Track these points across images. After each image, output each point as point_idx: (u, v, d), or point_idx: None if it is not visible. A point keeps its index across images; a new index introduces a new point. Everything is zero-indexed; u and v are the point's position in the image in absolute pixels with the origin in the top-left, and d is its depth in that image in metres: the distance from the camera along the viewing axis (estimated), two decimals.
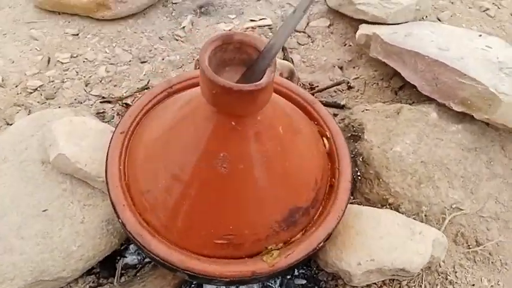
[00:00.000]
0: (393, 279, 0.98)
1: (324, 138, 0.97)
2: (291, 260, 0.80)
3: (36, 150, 1.02)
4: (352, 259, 0.89)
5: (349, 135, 1.12)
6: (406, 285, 0.97)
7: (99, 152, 0.96)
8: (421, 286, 0.98)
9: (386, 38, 1.23)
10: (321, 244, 0.84)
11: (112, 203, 0.84)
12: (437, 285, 0.98)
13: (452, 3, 1.63)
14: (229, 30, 1.54)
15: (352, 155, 1.06)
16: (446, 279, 0.98)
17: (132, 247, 1.02)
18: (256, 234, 0.80)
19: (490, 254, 1.02)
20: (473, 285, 0.99)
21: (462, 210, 1.01)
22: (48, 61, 1.42)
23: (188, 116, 0.80)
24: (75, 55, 1.44)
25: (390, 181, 1.01)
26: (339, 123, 1.17)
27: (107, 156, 0.89)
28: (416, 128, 1.07)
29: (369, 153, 1.04)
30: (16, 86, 1.34)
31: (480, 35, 1.25)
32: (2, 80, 1.35)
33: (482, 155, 1.07)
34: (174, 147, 0.81)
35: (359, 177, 1.05)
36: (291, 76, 1.19)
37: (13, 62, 1.42)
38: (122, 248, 1.02)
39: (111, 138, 0.92)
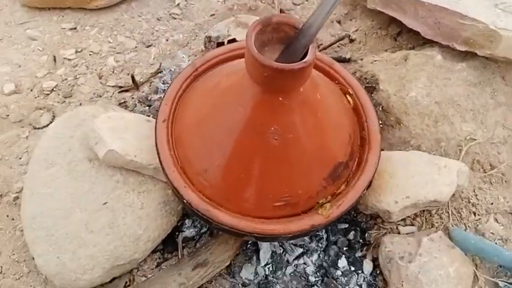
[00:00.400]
0: (424, 210, 1.10)
1: (348, 96, 1.06)
2: (343, 208, 0.90)
3: (79, 149, 1.08)
4: (390, 199, 1.00)
5: (364, 87, 1.20)
6: (436, 213, 1.10)
7: (143, 141, 1.02)
8: (448, 212, 1.10)
9: None
10: (364, 191, 0.94)
11: (173, 186, 0.92)
12: (462, 208, 1.11)
13: None
14: (224, 0, 1.56)
15: None
16: (469, 202, 1.11)
17: (187, 222, 1.11)
18: (308, 193, 0.90)
19: (503, 174, 1.15)
20: (492, 203, 1.12)
21: (475, 140, 1.12)
22: (55, 60, 1.44)
23: (233, 96, 0.86)
24: (79, 49, 1.46)
25: (410, 124, 1.11)
26: None
27: (156, 145, 0.95)
28: (425, 71, 1.16)
29: (387, 102, 1.13)
30: (31, 90, 1.37)
31: None
32: (16, 86, 1.37)
33: (486, 88, 1.17)
34: (224, 128, 0.88)
35: (381, 125, 1.14)
36: None
37: (20, 66, 1.43)
38: (179, 224, 1.10)
39: (155, 127, 0.98)
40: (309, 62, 0.71)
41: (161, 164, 0.94)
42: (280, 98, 0.79)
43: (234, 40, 1.16)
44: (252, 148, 0.85)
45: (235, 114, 0.85)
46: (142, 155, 1.01)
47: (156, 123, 0.99)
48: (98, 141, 1.02)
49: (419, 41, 1.34)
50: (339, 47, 1.43)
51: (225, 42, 1.16)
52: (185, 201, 0.90)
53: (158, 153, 0.95)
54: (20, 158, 1.23)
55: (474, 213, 1.10)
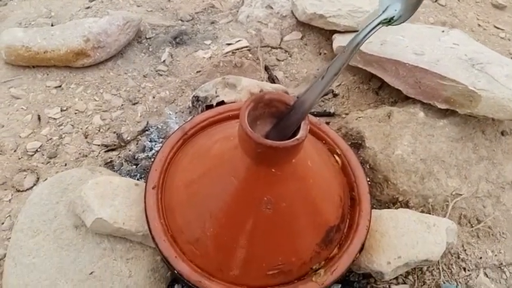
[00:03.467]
0: (415, 268, 1.10)
1: (335, 155, 1.07)
2: (337, 274, 0.90)
3: (66, 216, 1.05)
4: (382, 260, 1.00)
5: (350, 143, 1.22)
6: (427, 270, 1.10)
7: (132, 207, 1.01)
8: (439, 268, 1.10)
9: (363, 48, 1.33)
10: (358, 255, 0.94)
11: (163, 256, 0.90)
12: (452, 264, 1.11)
13: None
14: (209, 57, 1.59)
15: None
16: (459, 257, 1.12)
17: (176, 287, 1.08)
18: (302, 259, 0.89)
19: (489, 227, 1.17)
20: (481, 257, 1.13)
21: (461, 195, 1.15)
22: (39, 119, 1.43)
23: (225, 165, 0.87)
24: (64, 108, 1.45)
25: (398, 182, 1.12)
26: (337, 132, 1.27)
27: (146, 213, 0.94)
28: (409, 128, 1.19)
29: (374, 160, 1.15)
30: (15, 151, 1.34)
31: (443, 31, 1.38)
32: None
33: (468, 143, 1.21)
34: (216, 197, 0.87)
35: (369, 183, 1.15)
36: None
37: (3, 126, 1.41)
38: None
39: (145, 195, 0.97)
40: (301, 139, 0.72)
41: (151, 233, 0.92)
42: (273, 170, 0.80)
43: (222, 102, 1.18)
44: (245, 218, 0.85)
45: (228, 184, 0.85)
46: (131, 222, 0.99)
47: (145, 190, 0.98)
48: (85, 209, 1.00)
49: (400, 95, 1.38)
50: (323, 101, 1.46)
51: (214, 105, 1.18)
52: (176, 272, 0.88)
53: (148, 222, 0.93)
54: (2, 223, 1.19)
55: (464, 269, 1.11)
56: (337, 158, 1.07)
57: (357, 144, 1.21)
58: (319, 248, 0.91)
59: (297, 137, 0.72)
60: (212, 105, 1.19)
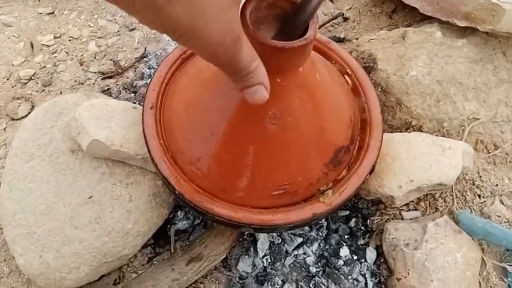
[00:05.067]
0: (427, 194, 1.06)
1: (346, 76, 1.00)
2: (346, 195, 0.85)
3: (61, 140, 1.00)
4: (393, 184, 0.95)
5: (361, 67, 1.14)
6: (440, 196, 1.05)
7: (129, 129, 0.96)
8: (452, 195, 1.06)
9: None
10: (368, 176, 0.89)
11: (164, 177, 0.85)
12: (466, 191, 1.07)
13: None
14: None
15: None
16: (474, 184, 1.07)
17: (180, 213, 1.05)
18: (309, 179, 0.84)
19: (506, 154, 1.11)
20: (497, 185, 1.08)
21: (478, 119, 1.08)
22: (32, 46, 1.36)
23: (225, 80, 0.80)
24: (58, 35, 1.38)
25: (411, 105, 1.05)
26: None
27: (144, 133, 0.89)
28: (424, 49, 1.10)
29: (387, 82, 1.07)
30: (7, 79, 1.28)
31: None
32: None
33: (488, 64, 1.12)
34: (217, 113, 0.81)
35: (380, 107, 1.08)
36: None
37: None
38: (170, 216, 1.04)
39: (142, 115, 0.91)
40: (310, 38, 0.65)
41: (150, 154, 0.87)
42: (278, 80, 0.73)
43: None
44: (248, 134, 0.79)
45: (230, 98, 0.79)
46: (129, 144, 0.94)
47: (143, 110, 0.92)
48: (81, 131, 0.94)
49: (415, 17, 1.29)
50: (332, 26, 1.36)
51: None
52: (177, 193, 0.84)
53: (146, 143, 0.88)
54: None
55: (479, 196, 1.06)
56: (347, 78, 1.00)
57: (369, 67, 1.13)
58: (327, 168, 0.86)
59: (305, 36, 0.65)
60: None
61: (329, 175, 0.87)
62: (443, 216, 0.98)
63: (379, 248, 1.01)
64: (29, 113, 1.20)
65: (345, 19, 1.36)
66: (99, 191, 0.96)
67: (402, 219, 1.03)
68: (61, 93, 1.24)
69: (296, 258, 1.00)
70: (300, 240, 1.01)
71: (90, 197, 0.95)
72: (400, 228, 0.98)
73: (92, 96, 1.10)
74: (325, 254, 1.00)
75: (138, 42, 1.34)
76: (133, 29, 1.37)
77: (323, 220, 1.05)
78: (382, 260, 1.00)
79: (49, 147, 1.00)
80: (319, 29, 1.34)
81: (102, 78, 1.26)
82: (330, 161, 0.86)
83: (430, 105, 1.06)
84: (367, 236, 1.03)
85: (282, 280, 0.98)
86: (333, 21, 1.36)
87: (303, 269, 1.00)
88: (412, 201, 1.04)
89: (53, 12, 1.42)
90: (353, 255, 1.00)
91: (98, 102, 1.00)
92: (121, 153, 0.94)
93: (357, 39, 1.29)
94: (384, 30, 1.26)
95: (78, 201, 0.94)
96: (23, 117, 1.20)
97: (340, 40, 1.31)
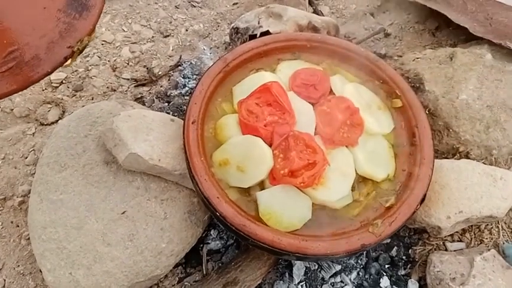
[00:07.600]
0: (472, 225, 1.00)
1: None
2: (396, 226, 0.80)
3: (95, 151, 0.97)
4: (441, 214, 0.90)
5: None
6: (485, 228, 1.00)
7: (168, 144, 0.92)
8: (498, 227, 1.00)
9: None
10: (418, 206, 0.84)
11: (204, 197, 0.81)
12: None
13: None
14: None
15: None
16: None
17: (213, 232, 1.01)
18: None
19: None
20: None
21: None
22: None
23: None
24: None
25: (460, 130, 1.00)
26: None
27: (185, 149, 0.85)
28: (474, 72, 1.05)
29: (435, 105, 1.03)
30: (39, 82, 1.25)
31: None
32: None
33: None
34: None
35: None
36: (336, 32, 1.14)
37: None
38: (203, 235, 1.00)
39: (183, 129, 0.87)
40: None
41: (190, 171, 0.83)
42: None
43: (267, 32, 1.05)
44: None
45: None
46: (167, 159, 0.90)
47: (184, 124, 0.88)
48: (117, 143, 0.91)
49: (460, 36, 1.24)
50: (373, 41, 1.32)
51: (258, 35, 1.05)
52: (218, 214, 0.80)
53: (187, 159, 0.84)
54: (26, 158, 1.12)
55: None
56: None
57: (415, 88, 1.08)
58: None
59: None
60: (256, 35, 1.06)
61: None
62: (490, 250, 0.93)
63: (421, 280, 0.96)
64: (60, 118, 1.17)
65: (386, 35, 1.32)
66: (133, 206, 0.92)
67: (446, 250, 0.98)
68: (92, 99, 1.21)
69: (333, 286, 0.96)
70: (338, 267, 0.97)
71: (123, 212, 0.91)
72: (445, 260, 0.93)
73: (127, 105, 1.06)
74: (365, 283, 0.95)
75: (172, 50, 1.31)
76: (168, 36, 1.34)
77: None
78: None
79: (82, 157, 0.97)
80: (359, 43, 1.30)
81: (135, 86, 1.23)
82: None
83: (479, 131, 1.01)
84: (408, 266, 0.98)
85: None
86: (374, 36, 1.32)
87: None
88: (457, 231, 0.99)
89: None
90: (394, 286, 0.95)
91: (135, 112, 0.96)
92: (158, 168, 0.90)
93: (399, 56, 1.24)
94: (428, 48, 1.22)
95: (111, 217, 0.91)
96: (52, 123, 1.17)
97: (381, 56, 1.26)
